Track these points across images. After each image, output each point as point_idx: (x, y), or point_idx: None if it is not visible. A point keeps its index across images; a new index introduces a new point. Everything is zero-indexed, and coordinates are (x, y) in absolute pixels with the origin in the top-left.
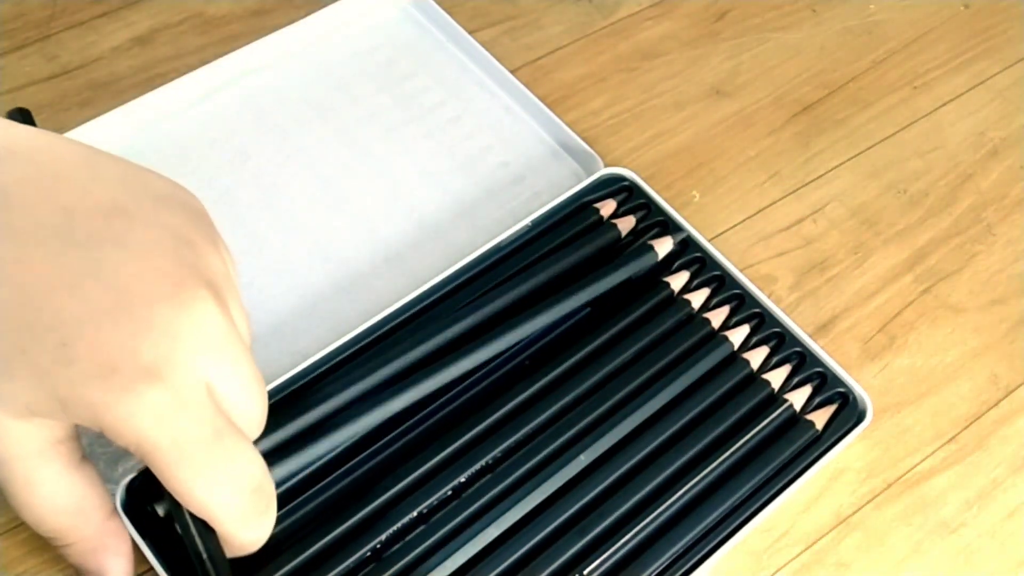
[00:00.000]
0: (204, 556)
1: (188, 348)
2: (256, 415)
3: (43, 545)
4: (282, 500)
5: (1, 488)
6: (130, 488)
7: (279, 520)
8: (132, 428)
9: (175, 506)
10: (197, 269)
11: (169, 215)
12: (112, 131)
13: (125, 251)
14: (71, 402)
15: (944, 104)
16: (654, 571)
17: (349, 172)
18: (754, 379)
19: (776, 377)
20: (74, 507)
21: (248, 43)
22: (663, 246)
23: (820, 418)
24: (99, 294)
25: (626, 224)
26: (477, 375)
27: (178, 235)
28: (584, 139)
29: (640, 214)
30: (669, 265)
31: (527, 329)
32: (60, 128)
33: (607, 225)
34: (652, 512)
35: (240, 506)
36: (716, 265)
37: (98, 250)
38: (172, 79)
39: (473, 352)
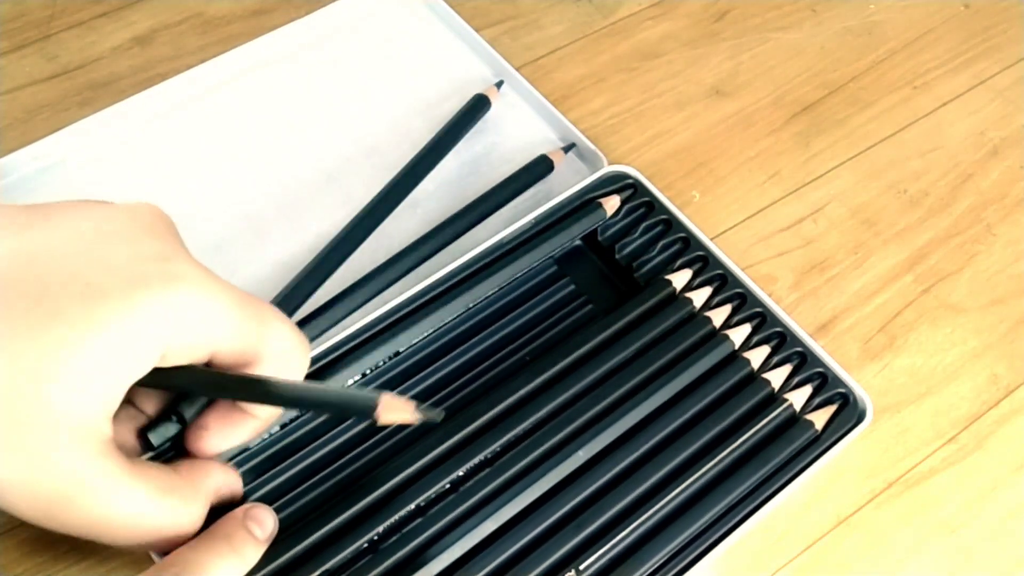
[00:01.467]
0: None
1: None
2: None
3: (43, 545)
4: (280, 491)
5: (102, 536)
6: None
7: (277, 511)
8: (204, 296)
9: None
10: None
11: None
12: (113, 126)
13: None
14: (135, 313)
15: (944, 104)
16: (650, 568)
17: (353, 167)
18: (754, 378)
19: (776, 377)
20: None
21: (247, 43)
22: (610, 203)
23: (820, 418)
24: (77, 234)
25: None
26: (476, 371)
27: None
28: (587, 138)
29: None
30: (672, 263)
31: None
32: (60, 128)
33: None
34: (649, 509)
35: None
36: (718, 264)
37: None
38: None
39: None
